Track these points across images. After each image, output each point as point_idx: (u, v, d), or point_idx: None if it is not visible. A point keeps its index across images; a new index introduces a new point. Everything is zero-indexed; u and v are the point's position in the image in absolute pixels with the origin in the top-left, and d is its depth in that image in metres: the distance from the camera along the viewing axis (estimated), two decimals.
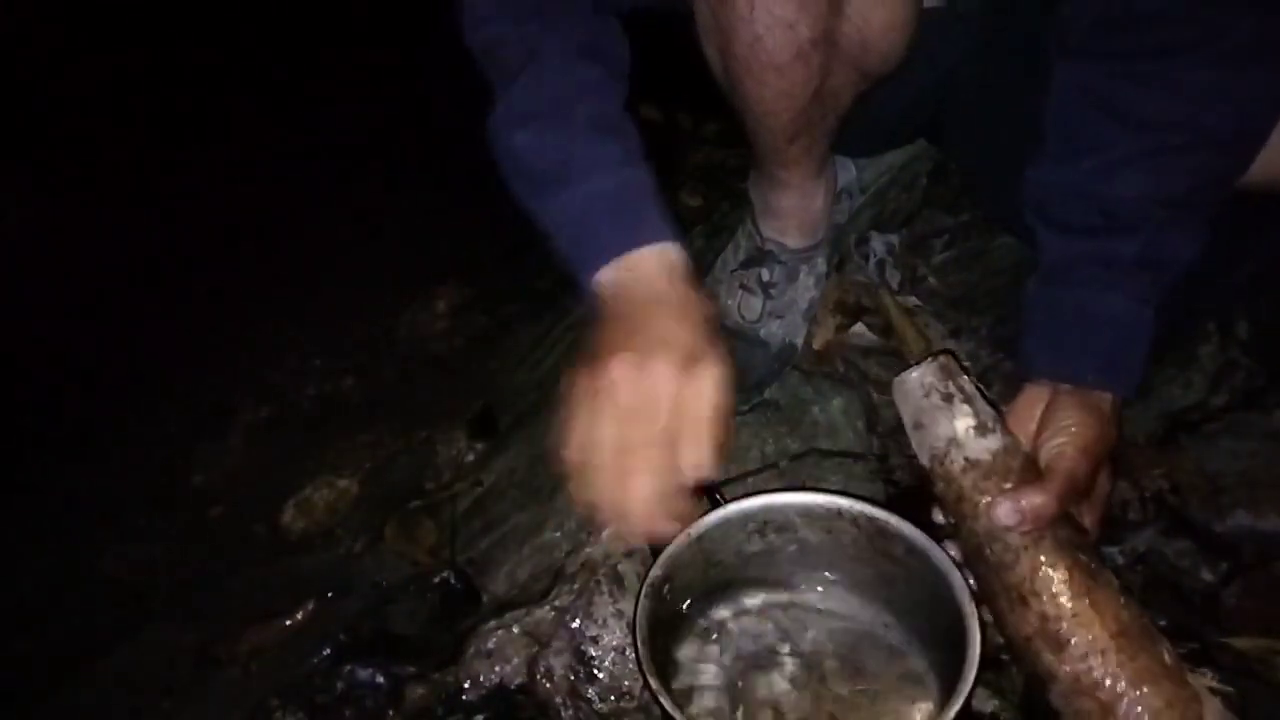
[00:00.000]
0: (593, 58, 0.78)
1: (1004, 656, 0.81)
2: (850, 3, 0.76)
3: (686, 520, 0.71)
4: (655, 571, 0.74)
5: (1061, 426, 0.70)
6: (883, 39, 0.80)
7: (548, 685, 0.86)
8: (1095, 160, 0.72)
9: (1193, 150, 0.70)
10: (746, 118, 0.88)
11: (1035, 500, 0.66)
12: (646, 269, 0.72)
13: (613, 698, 0.84)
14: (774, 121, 0.86)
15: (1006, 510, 0.67)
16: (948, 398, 0.71)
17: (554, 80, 0.77)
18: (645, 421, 0.64)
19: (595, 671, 0.85)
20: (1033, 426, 0.73)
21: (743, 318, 1.06)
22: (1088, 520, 0.72)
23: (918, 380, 0.72)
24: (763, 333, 1.06)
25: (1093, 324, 0.73)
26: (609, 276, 0.72)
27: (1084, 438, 0.70)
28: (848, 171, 1.11)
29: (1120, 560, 0.89)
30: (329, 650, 1.00)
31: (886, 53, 0.81)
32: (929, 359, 0.73)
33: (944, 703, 0.64)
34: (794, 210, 1.02)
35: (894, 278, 1.21)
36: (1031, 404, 0.74)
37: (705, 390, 0.65)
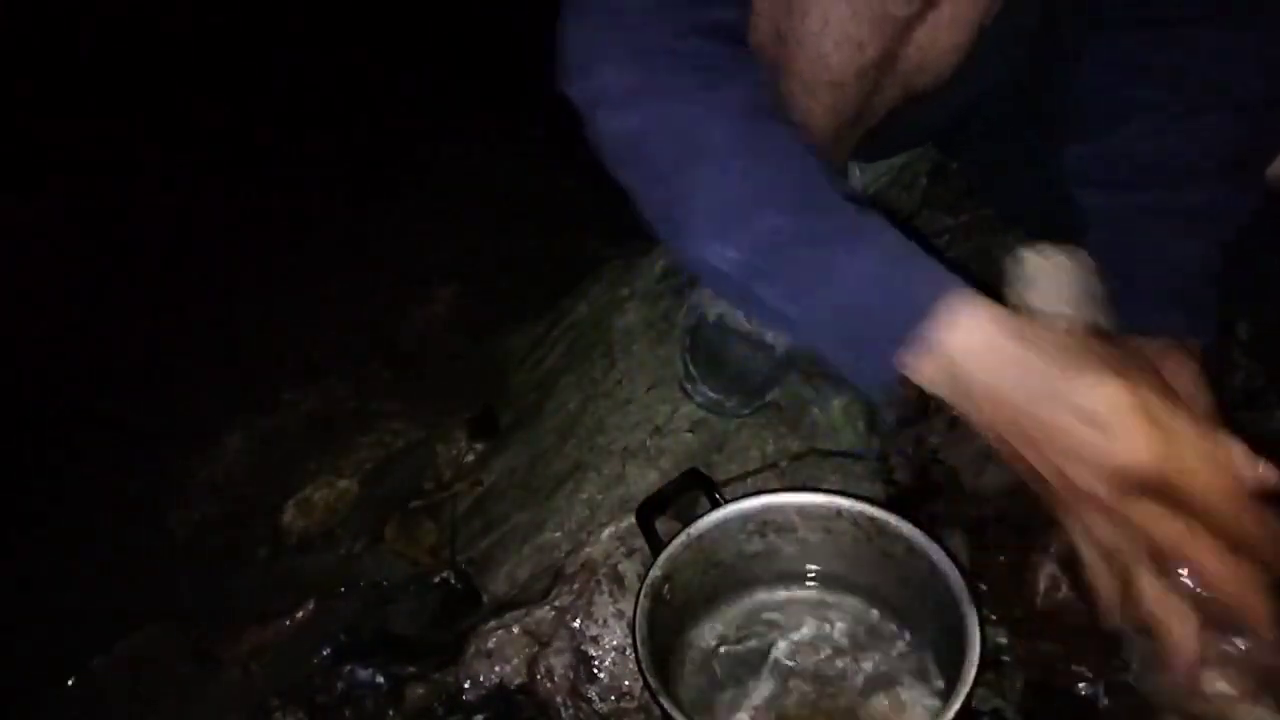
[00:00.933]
0: (755, 116, 0.68)
1: (1004, 657, 0.81)
2: (920, 27, 0.75)
3: None
4: (655, 571, 0.74)
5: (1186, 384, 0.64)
6: (941, 60, 0.78)
7: (548, 685, 0.86)
8: (1142, 123, 0.73)
9: (1237, 114, 0.70)
10: None
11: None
12: (980, 318, 0.59)
13: (613, 698, 0.84)
14: (814, 135, 0.85)
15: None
16: None
17: (736, 170, 0.66)
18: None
19: (595, 671, 0.85)
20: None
21: (748, 320, 1.06)
22: None
23: None
24: (768, 336, 1.06)
25: (1173, 271, 0.71)
26: (943, 338, 0.59)
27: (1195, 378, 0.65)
28: (853, 174, 1.11)
29: None
30: (329, 650, 1.00)
31: (940, 73, 0.80)
32: None
33: (944, 702, 0.64)
34: None
35: None
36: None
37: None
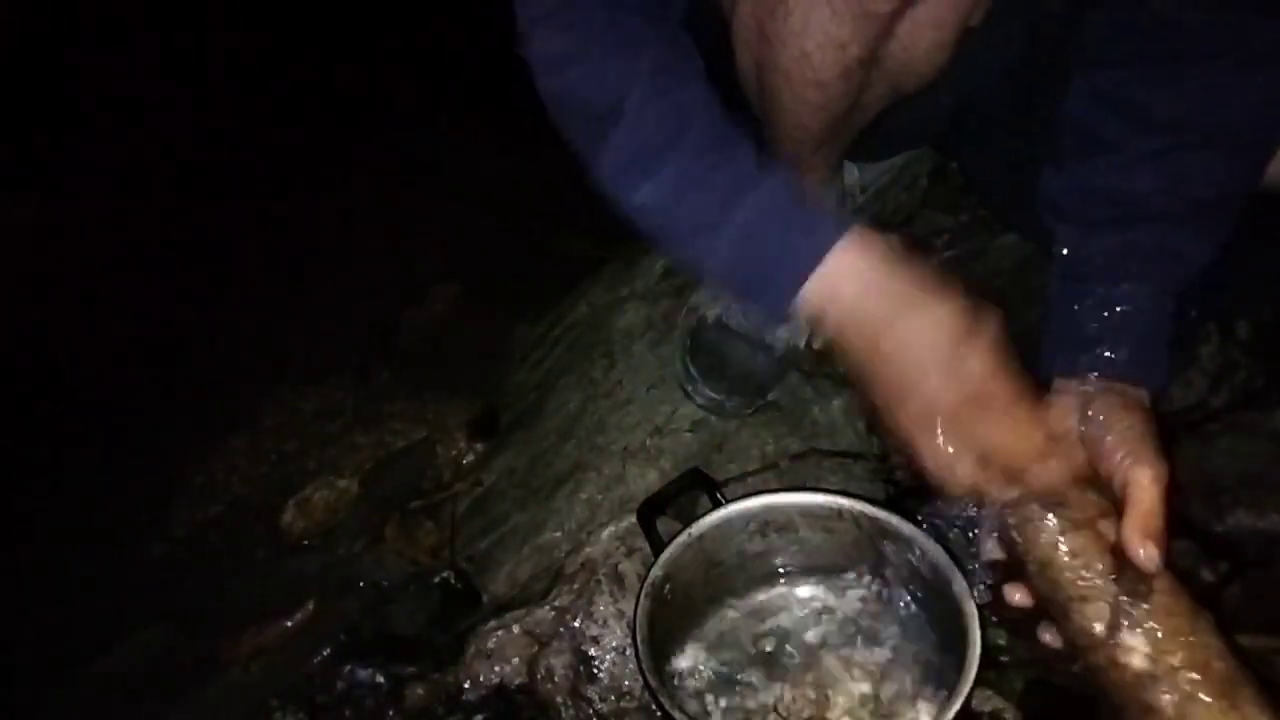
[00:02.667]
0: (672, 74, 0.74)
1: (1004, 658, 0.81)
2: (901, 24, 0.75)
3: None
4: (656, 571, 0.74)
5: (1125, 436, 0.66)
6: (926, 60, 0.79)
7: (548, 685, 0.86)
8: (1112, 159, 0.73)
9: (1208, 151, 0.70)
10: (773, 126, 0.87)
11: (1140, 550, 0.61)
12: (865, 257, 0.68)
13: (613, 698, 0.84)
14: (802, 133, 0.85)
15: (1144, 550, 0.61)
16: None
17: (655, 116, 0.72)
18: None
19: (595, 671, 0.85)
20: (1073, 425, 0.69)
21: (746, 319, 1.06)
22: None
23: None
24: (768, 336, 1.06)
25: (1116, 314, 0.72)
26: (828, 284, 0.68)
27: (1151, 443, 0.66)
28: (849, 173, 1.11)
29: None
30: (329, 650, 1.00)
31: (924, 73, 0.81)
32: None
33: (944, 702, 0.64)
34: None
35: None
36: (1066, 403, 0.71)
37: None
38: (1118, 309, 0.72)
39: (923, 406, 0.66)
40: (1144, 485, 0.63)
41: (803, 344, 1.09)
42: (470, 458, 1.25)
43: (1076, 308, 0.74)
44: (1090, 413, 0.69)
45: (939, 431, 0.65)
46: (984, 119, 1.00)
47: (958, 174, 1.28)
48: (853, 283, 0.67)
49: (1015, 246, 1.18)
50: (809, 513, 0.77)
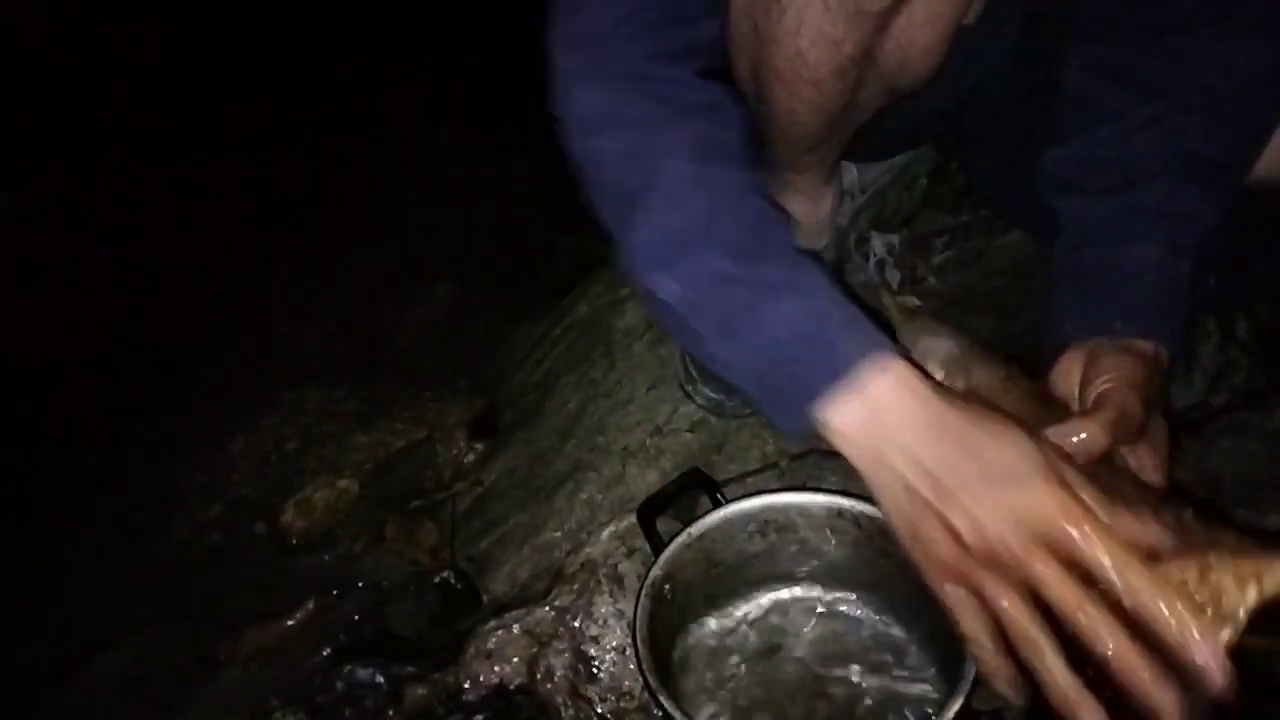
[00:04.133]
0: (711, 154, 0.69)
1: None
2: (896, 22, 0.75)
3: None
4: (656, 571, 0.74)
5: (1103, 370, 0.65)
6: (921, 59, 0.79)
7: (548, 685, 0.86)
8: (1111, 128, 0.73)
9: (1208, 115, 0.71)
10: (769, 126, 0.87)
11: (1084, 431, 0.61)
12: (901, 374, 0.60)
13: (613, 698, 0.84)
14: (799, 132, 0.85)
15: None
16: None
17: (686, 203, 0.67)
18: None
19: (596, 672, 0.85)
20: (1075, 387, 0.67)
21: None
22: (1149, 465, 0.66)
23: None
24: None
25: (1120, 273, 0.71)
26: (856, 403, 0.60)
27: (1130, 376, 0.65)
28: (849, 173, 1.11)
29: None
30: (329, 650, 1.00)
31: (920, 72, 0.81)
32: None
33: (945, 701, 0.64)
34: (801, 215, 1.02)
35: (894, 278, 1.20)
36: (1069, 366, 0.69)
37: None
38: (1125, 269, 0.71)
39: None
40: (1102, 402, 0.62)
41: None
42: (470, 458, 1.25)
43: (1084, 272, 0.73)
44: (1086, 366, 0.67)
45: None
46: (983, 116, 1.00)
47: (958, 174, 1.28)
48: (893, 412, 0.59)
49: (1015, 246, 1.18)
50: (809, 513, 0.77)
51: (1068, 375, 0.69)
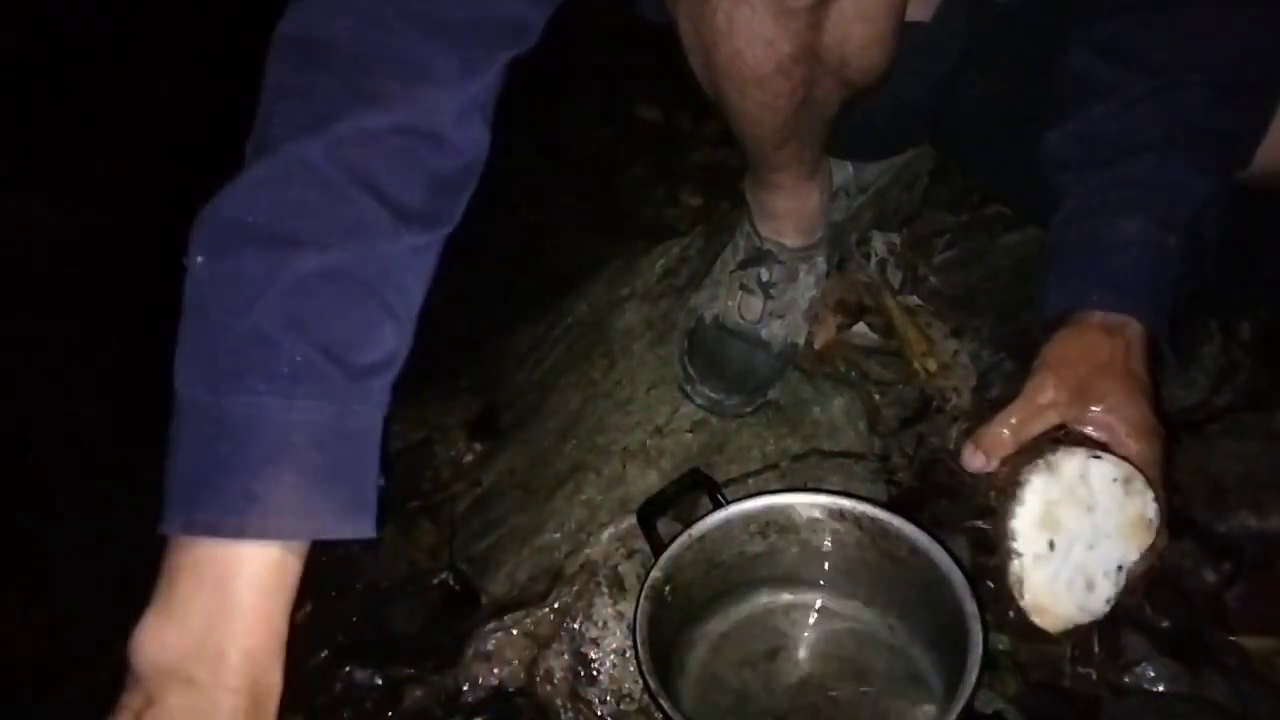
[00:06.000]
0: (364, 180, 0.57)
1: (1006, 659, 0.80)
2: (829, 18, 0.75)
3: None
4: (656, 573, 0.74)
5: (1048, 349, 0.68)
6: (862, 54, 0.79)
7: (547, 687, 0.86)
8: (1107, 104, 0.73)
9: (1206, 90, 0.70)
10: (734, 126, 0.88)
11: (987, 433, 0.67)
12: (245, 566, 0.56)
13: (613, 700, 0.84)
14: (759, 130, 0.86)
15: (967, 455, 0.67)
16: None
17: (282, 200, 0.57)
18: None
19: (595, 673, 0.85)
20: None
21: (743, 318, 1.05)
22: (1118, 433, 0.66)
23: None
24: (764, 333, 1.05)
25: (1102, 247, 0.70)
26: (204, 549, 0.58)
27: (1061, 350, 0.67)
28: (844, 170, 1.11)
29: None
30: (327, 651, 0.99)
31: (868, 67, 0.81)
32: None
33: (946, 704, 0.64)
34: (788, 211, 1.02)
35: (895, 277, 1.20)
36: (1054, 341, 0.69)
37: None
38: (1106, 242, 0.70)
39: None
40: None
41: (801, 341, 1.09)
42: (470, 458, 1.25)
43: (1066, 248, 0.73)
44: (1044, 349, 0.69)
45: None
46: (969, 112, 1.00)
47: (958, 173, 1.28)
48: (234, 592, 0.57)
49: (1016, 246, 1.18)
50: (810, 514, 0.77)
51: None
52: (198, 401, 0.60)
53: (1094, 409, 0.66)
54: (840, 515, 0.77)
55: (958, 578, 0.70)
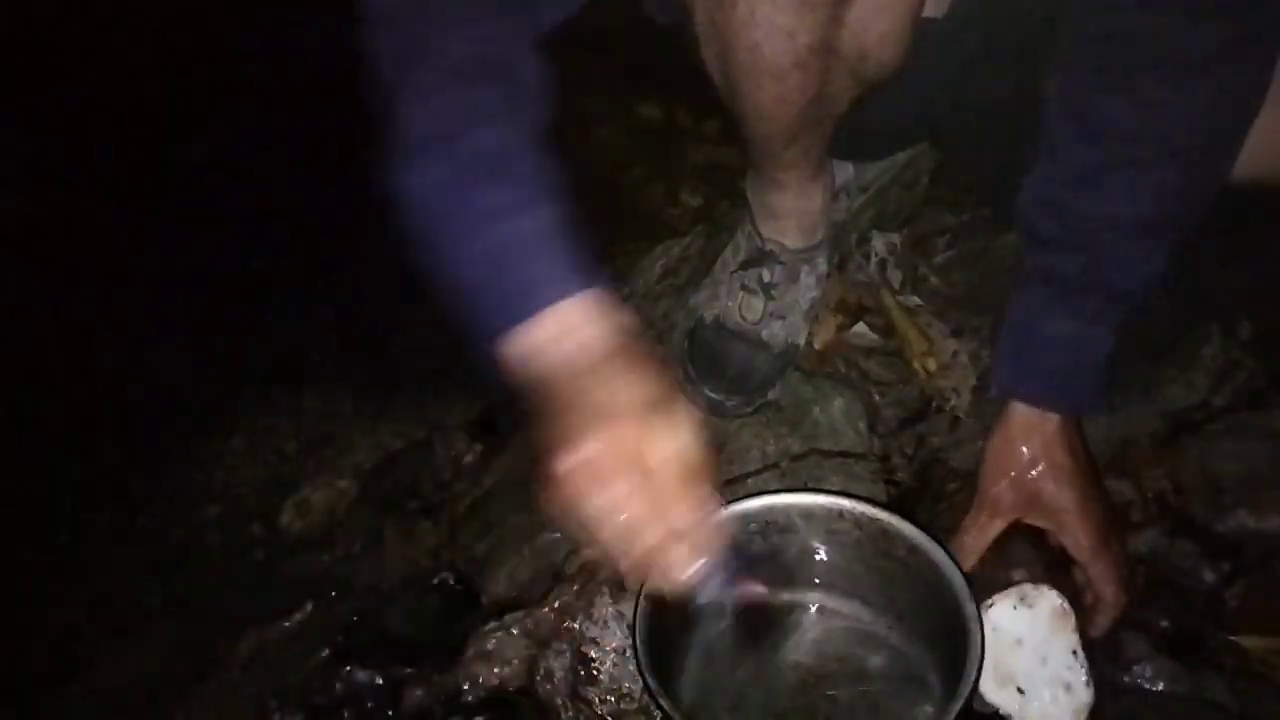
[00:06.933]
0: (488, 75, 0.66)
1: None
2: (850, 11, 0.76)
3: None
4: None
5: (990, 452, 0.79)
6: (880, 48, 0.80)
7: (547, 687, 0.86)
8: (1065, 172, 0.73)
9: (1159, 165, 0.70)
10: (744, 122, 0.88)
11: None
12: (569, 325, 0.63)
13: (613, 700, 0.84)
14: (771, 126, 0.86)
15: None
16: None
17: (436, 107, 0.66)
18: (634, 492, 0.59)
19: (595, 673, 0.85)
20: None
21: (744, 319, 1.05)
22: (1061, 519, 0.77)
23: None
24: (764, 334, 1.05)
25: (1039, 340, 0.76)
26: (529, 340, 0.64)
27: (994, 461, 0.79)
28: (845, 170, 1.11)
29: None
30: (328, 651, 0.99)
31: (884, 61, 0.81)
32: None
33: (945, 704, 0.64)
34: (792, 211, 1.02)
35: (895, 277, 1.20)
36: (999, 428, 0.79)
37: (679, 448, 0.60)
38: (1040, 335, 0.76)
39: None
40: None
41: (801, 342, 1.09)
42: (470, 458, 1.25)
43: (1012, 327, 0.79)
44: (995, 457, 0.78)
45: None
46: (974, 110, 1.00)
47: (959, 173, 1.28)
48: (566, 342, 0.63)
49: (1016, 246, 1.18)
50: (810, 514, 0.77)
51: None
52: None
53: (1035, 508, 0.78)
54: (840, 515, 0.77)
55: (957, 578, 0.70)
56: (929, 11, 0.83)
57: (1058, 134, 0.74)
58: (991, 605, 0.73)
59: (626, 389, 0.61)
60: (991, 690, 0.72)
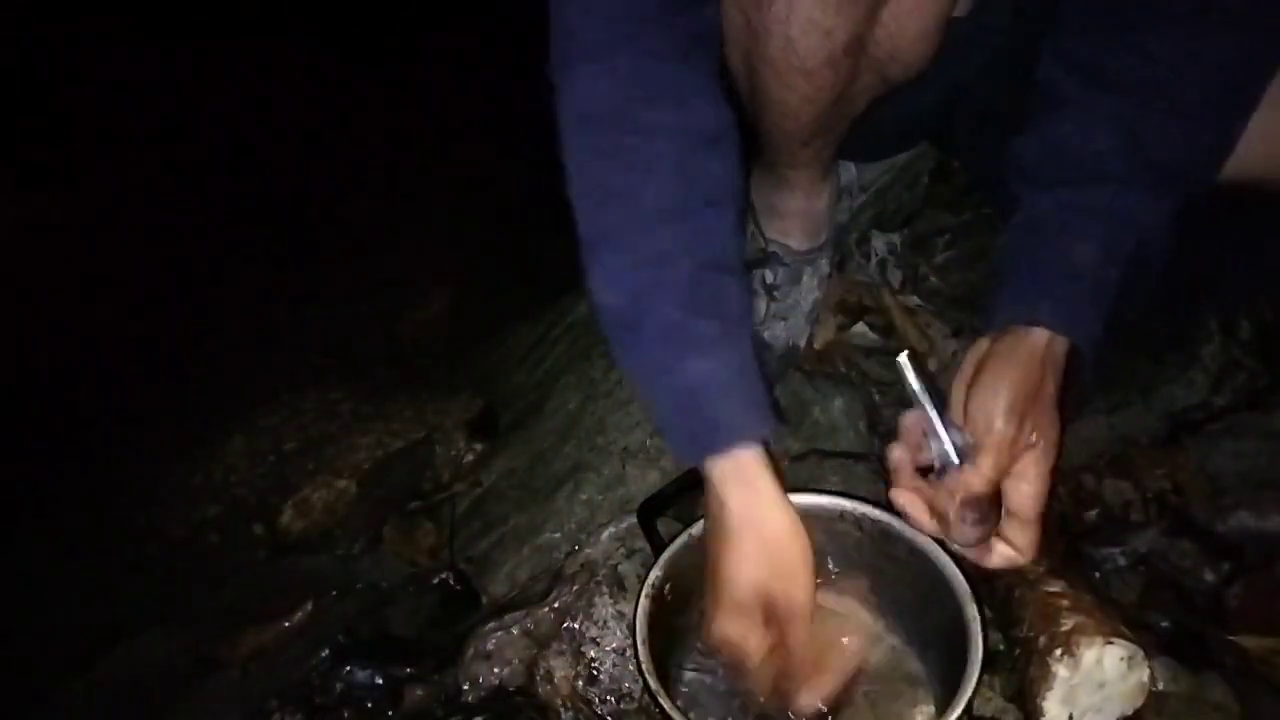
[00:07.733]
0: (690, 156, 0.71)
1: (1005, 660, 0.80)
2: (886, 10, 0.76)
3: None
4: (655, 573, 0.74)
5: (988, 382, 0.70)
6: (912, 48, 0.79)
7: (547, 687, 0.86)
8: (1073, 115, 0.72)
9: (1171, 116, 0.70)
10: (763, 120, 0.87)
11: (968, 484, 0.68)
12: (743, 470, 0.69)
13: (613, 699, 0.84)
14: (792, 124, 0.85)
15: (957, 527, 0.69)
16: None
17: (656, 237, 0.71)
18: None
19: (595, 673, 0.85)
20: (967, 379, 0.72)
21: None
22: (1027, 497, 0.70)
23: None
24: (766, 335, 1.05)
25: (1058, 269, 0.72)
26: (720, 470, 0.70)
27: (993, 378, 0.69)
28: (847, 171, 1.11)
29: (1122, 561, 0.88)
30: (328, 651, 0.99)
31: (912, 61, 0.81)
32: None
33: (945, 705, 0.64)
34: (798, 211, 1.02)
35: (895, 277, 1.20)
36: (973, 356, 0.73)
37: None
38: (1064, 267, 0.71)
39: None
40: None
41: (802, 343, 1.09)
42: (470, 458, 1.25)
43: (1022, 263, 0.74)
44: (981, 371, 0.70)
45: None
46: (980, 111, 1.00)
47: (959, 173, 1.28)
48: (716, 490, 0.69)
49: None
50: (810, 514, 0.77)
51: (967, 367, 0.72)
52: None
53: (1029, 440, 0.70)
54: (840, 516, 0.77)
55: (958, 579, 0.70)
56: (958, 10, 0.83)
57: (1063, 89, 0.74)
58: (1112, 643, 0.72)
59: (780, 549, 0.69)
60: (1053, 703, 0.73)
